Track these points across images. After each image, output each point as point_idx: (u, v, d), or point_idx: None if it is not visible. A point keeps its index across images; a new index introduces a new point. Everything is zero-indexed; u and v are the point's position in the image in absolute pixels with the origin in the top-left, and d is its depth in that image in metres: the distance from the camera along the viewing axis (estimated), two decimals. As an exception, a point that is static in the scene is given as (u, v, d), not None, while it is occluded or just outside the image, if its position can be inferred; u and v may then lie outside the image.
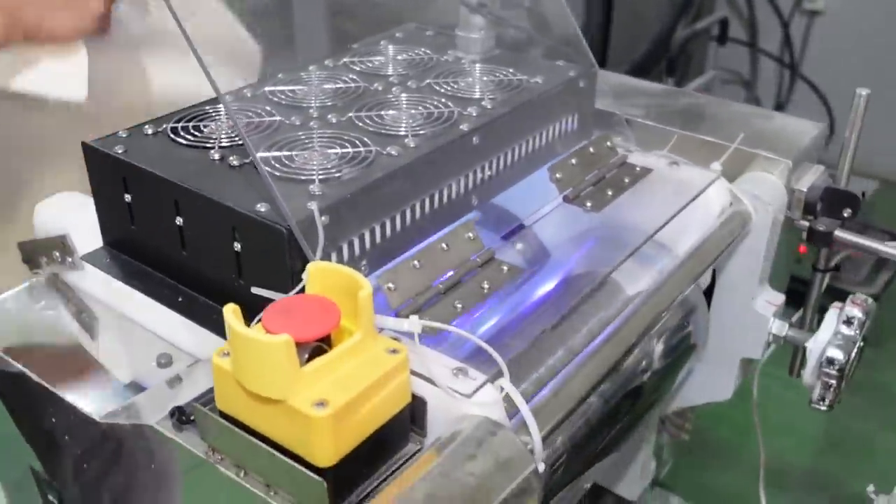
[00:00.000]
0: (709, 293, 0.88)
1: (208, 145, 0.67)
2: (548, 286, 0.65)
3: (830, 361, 0.79)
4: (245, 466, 0.52)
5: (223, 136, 0.68)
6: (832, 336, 0.80)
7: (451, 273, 0.64)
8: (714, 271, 0.86)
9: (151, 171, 0.63)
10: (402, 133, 0.69)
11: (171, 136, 0.68)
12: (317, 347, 0.51)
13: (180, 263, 0.65)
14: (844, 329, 0.80)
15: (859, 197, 0.85)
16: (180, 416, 0.55)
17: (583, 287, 0.66)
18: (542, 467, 0.56)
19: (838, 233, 0.85)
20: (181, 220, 0.63)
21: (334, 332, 0.53)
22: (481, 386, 0.55)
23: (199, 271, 0.64)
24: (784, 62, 2.57)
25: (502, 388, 0.55)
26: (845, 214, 0.86)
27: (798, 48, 2.55)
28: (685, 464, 1.47)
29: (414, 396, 0.55)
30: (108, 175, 0.66)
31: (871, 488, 0.55)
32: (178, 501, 0.59)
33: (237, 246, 0.60)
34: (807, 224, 0.87)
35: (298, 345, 0.48)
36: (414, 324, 0.55)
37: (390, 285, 0.61)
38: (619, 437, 0.74)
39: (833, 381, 0.81)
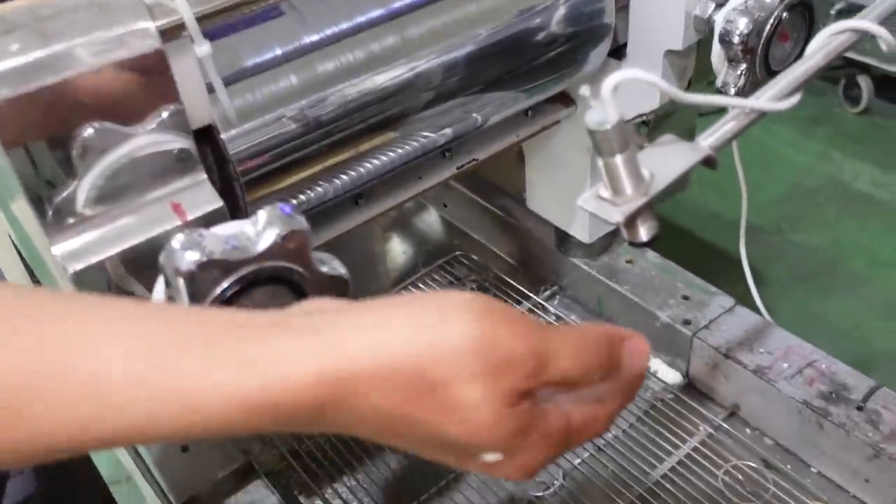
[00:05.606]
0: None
1: None
2: None
3: (731, 29, 0.65)
4: None
5: None
6: (742, 1, 0.66)
7: None
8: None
9: None
10: None
11: None
12: None
13: None
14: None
15: None
16: None
17: None
18: (229, 116, 0.46)
19: None
20: None
21: None
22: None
23: None
24: None
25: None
26: None
27: None
28: (801, 290, 1.32)
29: None
30: None
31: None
32: None
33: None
34: None
35: None
36: None
37: None
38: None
39: (739, 61, 0.66)
